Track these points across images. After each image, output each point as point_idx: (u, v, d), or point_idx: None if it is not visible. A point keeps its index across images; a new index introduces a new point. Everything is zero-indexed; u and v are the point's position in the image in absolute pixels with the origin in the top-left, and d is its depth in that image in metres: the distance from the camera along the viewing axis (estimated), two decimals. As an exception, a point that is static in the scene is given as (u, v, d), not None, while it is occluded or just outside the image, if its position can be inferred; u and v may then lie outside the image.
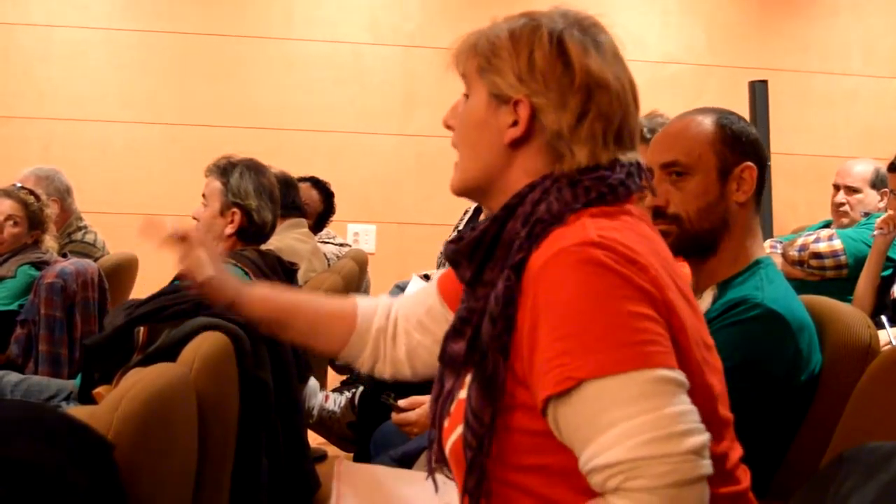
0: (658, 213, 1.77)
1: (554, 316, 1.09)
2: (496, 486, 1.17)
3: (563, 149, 1.21)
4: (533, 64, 1.22)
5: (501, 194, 1.25)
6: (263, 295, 1.59)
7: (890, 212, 3.32)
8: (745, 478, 1.24)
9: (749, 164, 1.75)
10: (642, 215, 1.24)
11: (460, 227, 3.82)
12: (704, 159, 1.74)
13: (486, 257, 1.22)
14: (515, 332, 1.15)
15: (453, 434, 1.22)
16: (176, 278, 1.49)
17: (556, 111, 1.21)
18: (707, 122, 1.76)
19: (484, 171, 1.27)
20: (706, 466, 1.04)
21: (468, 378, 1.20)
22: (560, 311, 1.08)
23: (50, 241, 3.54)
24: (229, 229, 2.70)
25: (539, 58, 1.22)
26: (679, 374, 1.08)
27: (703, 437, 1.05)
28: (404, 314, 1.56)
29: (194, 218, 2.78)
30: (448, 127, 1.33)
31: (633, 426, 1.03)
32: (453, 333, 1.25)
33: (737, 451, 1.24)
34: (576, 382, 1.05)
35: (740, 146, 1.75)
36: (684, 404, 1.06)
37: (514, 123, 1.23)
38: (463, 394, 1.22)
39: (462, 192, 1.32)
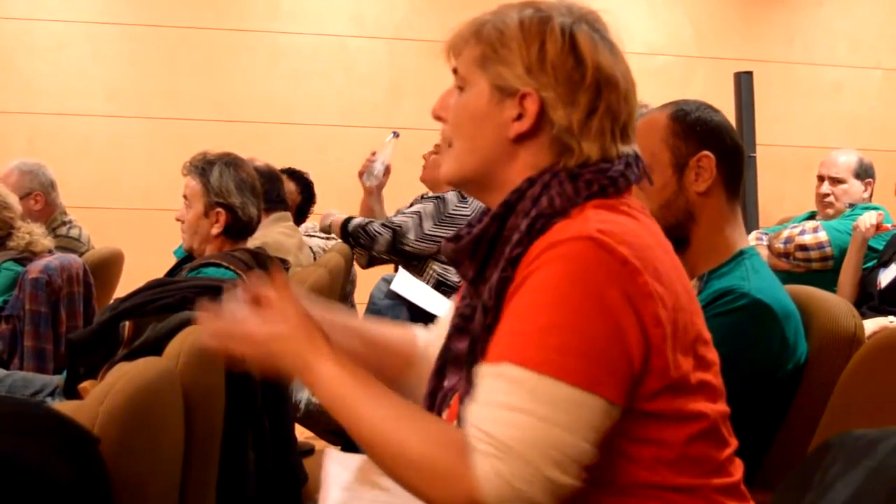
0: None
1: (526, 299, 1.09)
2: None
3: (573, 144, 1.18)
4: (544, 56, 1.17)
5: (498, 189, 1.21)
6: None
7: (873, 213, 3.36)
8: (736, 471, 1.23)
9: (705, 152, 1.74)
10: (641, 207, 1.22)
11: (406, 210, 3.80)
12: (658, 156, 1.75)
13: (487, 255, 1.19)
14: None
15: None
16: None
17: (565, 106, 1.17)
18: (662, 118, 1.77)
19: (483, 165, 1.23)
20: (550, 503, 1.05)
21: None
22: (531, 298, 1.09)
23: (35, 235, 3.48)
24: (215, 229, 2.67)
25: (551, 50, 1.17)
26: (607, 408, 1.07)
27: (573, 482, 1.05)
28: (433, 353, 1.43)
29: (178, 220, 2.75)
30: (438, 118, 1.28)
31: (533, 428, 1.03)
32: (457, 331, 1.24)
33: (731, 445, 1.23)
34: (502, 360, 1.06)
35: (695, 135, 1.75)
36: (586, 443, 1.05)
37: (519, 117, 1.19)
38: None
39: (456, 182, 1.27)
